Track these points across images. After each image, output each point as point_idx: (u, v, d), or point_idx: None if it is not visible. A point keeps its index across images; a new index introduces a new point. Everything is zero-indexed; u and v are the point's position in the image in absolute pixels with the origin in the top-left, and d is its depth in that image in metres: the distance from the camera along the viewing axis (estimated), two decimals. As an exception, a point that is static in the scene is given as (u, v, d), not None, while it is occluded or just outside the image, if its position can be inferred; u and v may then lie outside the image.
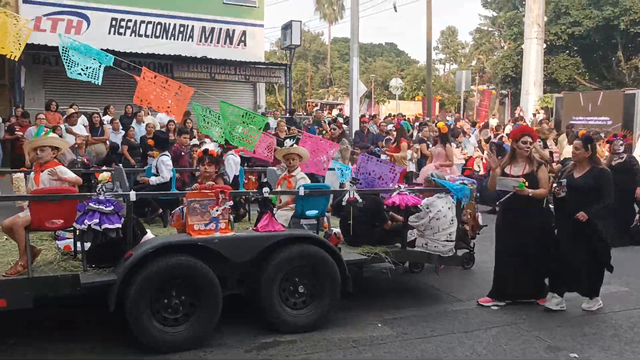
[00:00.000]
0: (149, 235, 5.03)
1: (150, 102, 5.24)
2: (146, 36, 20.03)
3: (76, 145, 9.65)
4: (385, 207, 5.83)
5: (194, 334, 4.67)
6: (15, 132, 11.07)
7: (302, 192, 5.39)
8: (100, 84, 5.29)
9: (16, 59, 5.10)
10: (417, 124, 18.75)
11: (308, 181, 5.88)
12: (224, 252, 4.75)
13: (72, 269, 4.63)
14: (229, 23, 21.27)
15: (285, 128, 11.90)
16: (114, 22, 19.58)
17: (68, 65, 5.38)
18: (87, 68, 5.48)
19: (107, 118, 13.68)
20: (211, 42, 21.06)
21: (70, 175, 4.78)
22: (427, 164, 9.04)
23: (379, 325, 5.34)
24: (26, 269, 4.40)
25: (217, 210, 4.87)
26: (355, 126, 13.64)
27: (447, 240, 6.02)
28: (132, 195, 4.69)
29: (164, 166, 6.68)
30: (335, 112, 26.13)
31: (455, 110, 32.86)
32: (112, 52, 17.81)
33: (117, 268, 4.54)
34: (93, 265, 4.68)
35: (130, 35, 19.82)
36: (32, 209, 4.45)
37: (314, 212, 5.59)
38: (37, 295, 4.42)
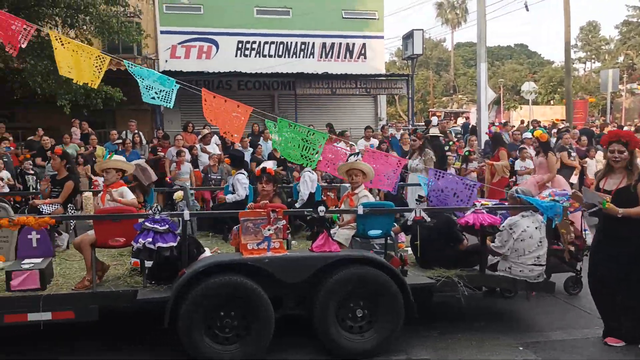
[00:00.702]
0: (207, 253, 5.13)
1: (217, 122, 5.37)
2: (269, 56, 20.94)
3: (211, 164, 10.20)
4: (458, 227, 5.36)
5: (245, 353, 4.64)
6: (158, 153, 11.86)
7: (360, 210, 5.16)
8: (172, 107, 5.48)
9: (95, 87, 5.47)
10: (554, 130, 17.33)
11: (371, 199, 5.61)
12: (274, 273, 4.68)
13: (134, 285, 4.87)
14: (348, 37, 21.50)
15: (409, 140, 11.58)
16: (240, 45, 20.73)
17: (143, 90, 5.62)
18: (160, 92, 5.66)
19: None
20: (331, 57, 21.43)
21: (127, 197, 5.05)
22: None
23: (520, 348, 4.99)
24: (92, 284, 4.71)
25: (269, 230, 4.82)
26: (484, 135, 12.93)
27: (535, 265, 5.41)
28: (186, 214, 4.82)
29: (239, 184, 6.82)
30: (460, 120, 25.09)
31: (600, 114, 29.85)
32: (239, 73, 18.94)
33: (173, 285, 4.68)
34: (153, 282, 4.89)
35: (255, 56, 20.86)
36: (96, 227, 4.77)
37: (377, 232, 5.33)
38: (101, 307, 4.70)
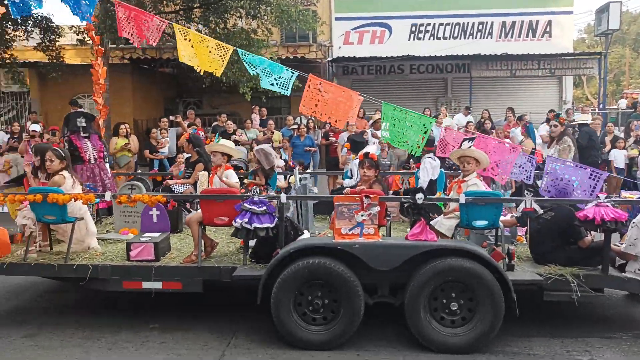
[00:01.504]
0: (306, 235, 5.23)
1: (315, 111, 5.40)
2: (444, 38, 20.24)
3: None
4: (578, 221, 4.80)
5: (333, 334, 4.67)
6: (330, 138, 12.17)
7: (462, 199, 4.86)
8: (289, 94, 5.61)
9: (218, 75, 5.77)
10: None
11: (480, 188, 5.23)
12: (364, 259, 4.62)
13: (235, 263, 5.14)
14: (532, 14, 20.01)
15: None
16: (413, 28, 20.31)
17: (262, 76, 5.82)
18: (279, 78, 5.79)
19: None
20: (511, 36, 20.14)
21: (231, 180, 5.32)
22: None
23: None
24: (197, 259, 5.07)
25: (362, 215, 4.77)
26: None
27: (664, 266, 4.68)
28: (283, 197, 4.95)
29: (356, 169, 6.79)
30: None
31: None
32: (412, 57, 18.87)
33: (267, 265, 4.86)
34: (253, 261, 5.12)
35: (429, 39, 20.30)
36: (202, 206, 5.12)
37: (483, 222, 4.98)
38: (205, 281, 5.04)
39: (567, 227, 4.96)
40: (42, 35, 15.72)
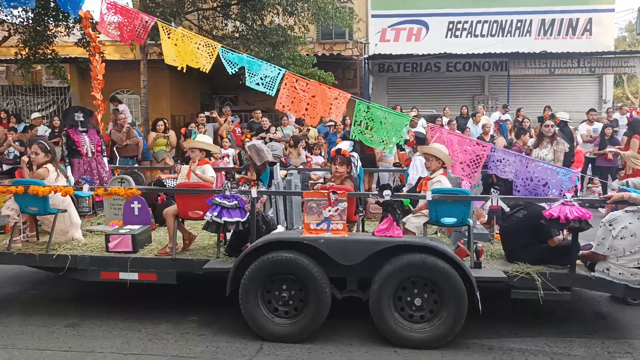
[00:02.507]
0: (279, 229, 5.33)
1: (291, 108, 5.49)
2: (482, 36, 19.99)
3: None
4: (544, 220, 4.81)
5: (300, 328, 4.77)
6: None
7: (429, 196, 4.91)
8: (273, 94, 5.66)
9: (207, 71, 5.87)
10: None
11: (444, 185, 5.26)
12: (329, 253, 4.70)
13: (209, 256, 5.27)
14: (572, 12, 19.68)
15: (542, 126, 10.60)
16: (451, 26, 20.07)
17: (248, 75, 5.90)
18: (265, 77, 5.85)
19: (445, 120, 14.01)
20: (550, 34, 19.81)
21: (207, 174, 5.47)
22: None
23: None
24: (172, 251, 5.22)
25: (329, 211, 4.86)
26: None
27: (638, 268, 4.66)
28: (253, 192, 5.07)
29: (413, 168, 6.83)
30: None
31: None
32: (449, 55, 18.75)
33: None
34: (227, 254, 5.24)
35: (467, 36, 20.04)
36: (177, 200, 5.26)
37: (451, 219, 5.02)
38: (178, 273, 5.18)
39: (538, 226, 4.97)
40: (82, 32, 16.03)
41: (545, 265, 4.94)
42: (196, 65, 5.91)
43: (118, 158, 10.67)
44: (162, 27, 5.87)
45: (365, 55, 19.62)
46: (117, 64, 17.17)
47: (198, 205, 5.16)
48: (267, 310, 4.83)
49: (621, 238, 4.70)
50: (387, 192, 4.89)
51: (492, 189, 4.93)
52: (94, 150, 7.28)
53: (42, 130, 12.95)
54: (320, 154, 10.92)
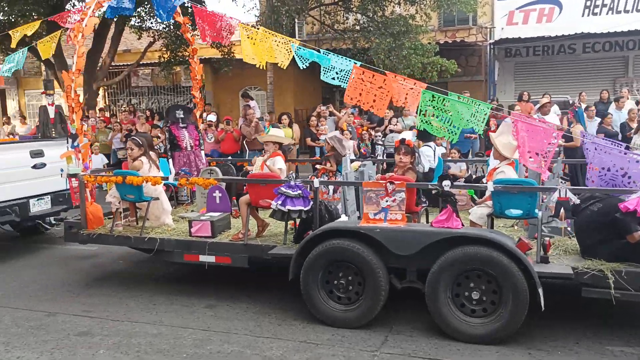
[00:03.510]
0: (343, 218, 5.47)
1: (359, 100, 5.56)
2: (625, 12, 18.00)
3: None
4: (619, 213, 4.42)
5: (356, 315, 4.88)
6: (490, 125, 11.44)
7: (490, 187, 4.74)
8: (346, 86, 5.77)
9: (284, 67, 6.16)
10: None
11: (509, 175, 5.00)
12: (384, 242, 4.75)
13: (277, 242, 5.55)
14: None
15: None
16: (588, 3, 18.39)
17: (323, 71, 6.07)
18: (341, 71, 5.98)
19: (583, 106, 13.02)
20: None
21: (275, 166, 5.74)
22: None
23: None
24: (244, 237, 5.58)
25: (386, 201, 4.90)
26: None
27: None
28: (316, 182, 5.25)
29: (423, 157, 6.78)
30: None
31: None
32: (586, 35, 17.43)
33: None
34: (293, 241, 5.49)
35: (607, 13, 18.22)
36: (249, 190, 5.60)
37: (517, 211, 4.81)
38: (250, 257, 5.53)
39: (615, 220, 4.58)
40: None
41: (624, 262, 4.55)
42: (275, 61, 6.19)
43: (247, 151, 11.41)
44: (243, 27, 6.23)
45: (491, 41, 18.71)
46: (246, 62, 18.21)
47: (268, 195, 5.45)
48: (326, 295, 5.00)
49: None
50: (446, 183, 4.81)
51: (560, 180, 4.62)
52: (192, 144, 7.92)
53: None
54: None
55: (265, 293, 5.85)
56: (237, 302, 5.62)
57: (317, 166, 7.35)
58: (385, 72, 5.84)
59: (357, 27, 16.68)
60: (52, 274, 6.82)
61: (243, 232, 5.62)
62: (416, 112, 5.27)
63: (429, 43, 15.42)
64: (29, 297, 5.98)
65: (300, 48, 5.95)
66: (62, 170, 6.54)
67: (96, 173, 6.35)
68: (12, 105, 24.91)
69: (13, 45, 6.93)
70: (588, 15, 18.27)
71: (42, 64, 18.56)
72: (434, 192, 4.90)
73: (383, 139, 12.19)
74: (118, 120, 14.77)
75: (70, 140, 6.15)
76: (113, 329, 5.02)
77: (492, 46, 18.42)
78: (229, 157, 10.34)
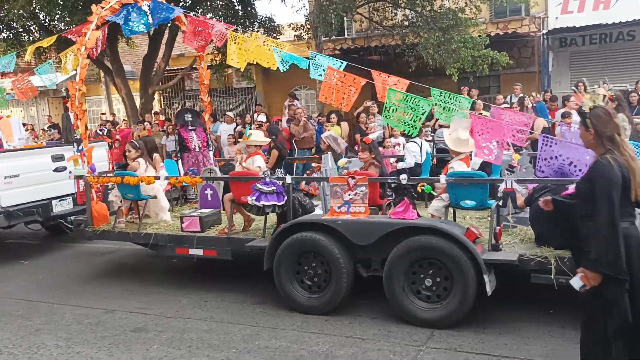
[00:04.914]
0: (316, 212, 5.85)
1: (331, 99, 5.93)
2: None
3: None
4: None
5: (323, 301, 5.27)
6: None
7: (443, 180, 5.03)
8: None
9: (274, 68, 6.53)
10: None
11: (460, 168, 5.26)
12: (345, 233, 5.12)
13: (257, 236, 5.99)
14: None
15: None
16: None
17: (312, 67, 6.47)
18: (324, 71, 6.38)
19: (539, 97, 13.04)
20: None
21: (254, 164, 6.18)
22: None
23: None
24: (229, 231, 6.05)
25: (349, 195, 5.26)
26: None
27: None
28: (288, 178, 5.66)
29: (408, 152, 7.08)
30: None
31: None
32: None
33: (271, 238, 5.60)
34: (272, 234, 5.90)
35: None
36: (232, 187, 6.07)
37: (470, 202, 5.08)
38: (233, 250, 5.99)
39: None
40: (266, 35, 17.90)
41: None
42: (266, 65, 6.61)
43: (296, 150, 11.66)
44: (231, 35, 6.70)
45: (544, 31, 17.92)
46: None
47: (248, 192, 5.90)
48: (297, 283, 5.40)
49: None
50: (403, 177, 5.13)
51: (505, 171, 4.87)
52: (200, 146, 8.45)
53: (231, 128, 13.76)
54: None
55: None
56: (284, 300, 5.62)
57: (313, 164, 7.75)
58: (371, 70, 6.26)
59: (406, 23, 16.63)
60: (106, 273, 7.29)
61: (227, 227, 6.09)
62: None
63: (479, 36, 15.15)
64: (89, 295, 6.34)
65: (280, 51, 6.36)
66: (70, 172, 7.19)
67: (100, 174, 6.94)
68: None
69: (28, 57, 7.60)
70: (645, 1, 17.32)
71: (100, 71, 19.38)
72: (392, 185, 5.22)
73: (432, 134, 12.07)
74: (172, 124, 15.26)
75: (75, 145, 6.74)
76: (166, 325, 5.27)
77: (545, 36, 17.67)
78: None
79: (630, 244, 3.09)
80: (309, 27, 16.97)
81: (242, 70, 6.63)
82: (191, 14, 7.15)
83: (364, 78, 5.92)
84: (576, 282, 3.14)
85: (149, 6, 6.76)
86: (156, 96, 20.55)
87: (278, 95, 20.12)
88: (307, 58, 6.37)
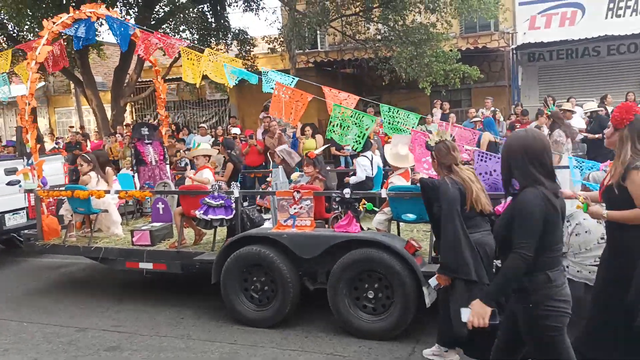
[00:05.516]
0: (265, 225, 5.90)
1: (281, 115, 6.01)
2: None
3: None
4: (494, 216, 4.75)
5: (269, 315, 5.30)
6: (516, 130, 10.90)
7: (384, 194, 5.12)
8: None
9: (229, 85, 6.63)
10: None
11: (400, 182, 5.39)
12: (290, 247, 5.17)
13: (208, 249, 6.00)
14: None
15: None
16: (611, 5, 18.15)
17: (264, 81, 6.58)
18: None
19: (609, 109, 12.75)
20: None
21: (202, 177, 6.21)
22: None
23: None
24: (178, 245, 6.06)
25: (294, 209, 5.32)
26: None
27: (596, 265, 4.42)
28: (236, 192, 5.70)
29: (359, 167, 7.16)
30: None
31: None
32: (611, 37, 17.05)
33: (220, 251, 5.62)
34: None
35: (631, 15, 18.00)
36: (180, 200, 6.09)
37: (412, 216, 5.17)
38: (182, 264, 5.99)
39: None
40: (239, 47, 17.88)
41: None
42: (219, 80, 6.67)
43: (272, 162, 11.26)
44: (183, 50, 6.74)
45: (513, 46, 18.52)
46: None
47: (197, 205, 5.92)
48: (244, 296, 5.43)
49: (576, 234, 4.50)
50: (346, 191, 5.21)
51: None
52: (157, 159, 8.45)
53: (207, 139, 13.60)
54: None
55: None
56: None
57: (268, 179, 7.79)
58: (322, 86, 6.36)
59: (379, 37, 16.91)
60: (72, 288, 7.13)
61: (177, 241, 6.09)
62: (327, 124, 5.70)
63: (451, 50, 15.45)
64: (60, 312, 6.16)
65: (230, 66, 6.43)
66: (20, 185, 7.13)
67: (52, 188, 6.89)
68: (43, 123, 25.87)
69: None
70: (612, 17, 18.09)
71: (70, 82, 19.18)
72: (337, 199, 5.29)
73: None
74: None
75: (25, 159, 6.71)
76: (142, 344, 5.14)
77: (514, 51, 18.22)
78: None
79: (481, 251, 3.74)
80: (282, 40, 17.11)
81: (197, 86, 6.66)
82: (142, 28, 7.17)
83: (313, 94, 6.01)
84: (432, 282, 4.00)
85: (101, 24, 6.78)
86: (128, 108, 20.46)
87: (252, 108, 20.15)
88: (259, 74, 6.45)
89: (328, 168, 6.84)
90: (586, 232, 4.44)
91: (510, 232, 2.88)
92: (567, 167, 6.09)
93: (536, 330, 2.92)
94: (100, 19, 6.97)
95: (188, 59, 6.69)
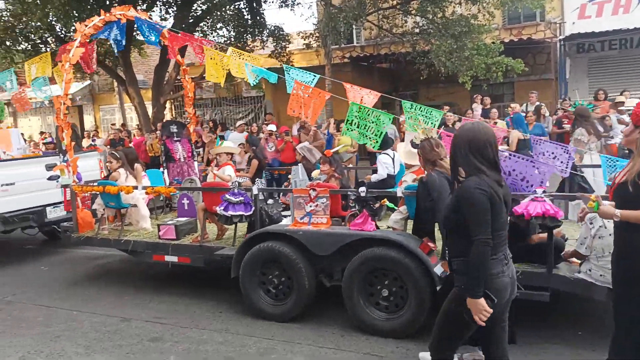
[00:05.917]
0: (284, 222, 5.95)
1: (300, 113, 6.04)
2: None
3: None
4: (513, 217, 4.65)
5: (285, 310, 5.38)
6: (563, 126, 10.89)
7: (399, 193, 5.08)
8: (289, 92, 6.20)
9: (250, 82, 6.70)
10: None
11: (409, 183, 5.31)
12: (306, 244, 5.22)
13: (229, 244, 6.11)
14: None
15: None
16: None
17: (288, 83, 6.61)
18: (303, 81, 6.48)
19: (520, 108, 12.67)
20: None
21: (224, 174, 6.30)
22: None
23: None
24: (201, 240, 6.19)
25: (310, 206, 5.35)
26: None
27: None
28: (255, 189, 5.78)
29: (380, 164, 7.13)
30: None
31: None
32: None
33: (240, 246, 5.72)
34: (242, 243, 6.02)
35: None
36: (203, 196, 6.22)
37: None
38: (205, 258, 6.12)
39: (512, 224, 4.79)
40: (275, 44, 17.92)
41: (525, 263, 4.76)
42: (243, 77, 6.74)
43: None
44: (207, 50, 6.86)
45: (561, 37, 17.71)
46: (305, 70, 18.69)
47: (219, 201, 6.03)
48: (262, 291, 5.51)
49: (599, 237, 4.36)
50: (362, 189, 5.21)
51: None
52: (185, 156, 8.65)
53: (242, 136, 13.40)
54: None
55: (327, 306, 5.68)
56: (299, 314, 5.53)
57: (289, 176, 7.85)
58: (343, 82, 6.35)
59: (417, 30, 16.53)
60: (117, 279, 7.38)
61: (200, 235, 6.23)
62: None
63: (493, 42, 14.88)
64: (104, 302, 6.39)
65: (251, 65, 6.50)
66: (57, 181, 7.44)
67: (85, 184, 7.16)
68: (88, 120, 26.93)
69: (28, 80, 7.85)
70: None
71: (114, 80, 19.84)
72: (352, 198, 5.29)
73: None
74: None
75: (61, 156, 6.99)
76: (182, 336, 5.27)
77: (562, 42, 17.43)
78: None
79: None
80: (318, 35, 17.05)
81: (222, 85, 6.76)
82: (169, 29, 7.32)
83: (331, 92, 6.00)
84: (438, 269, 4.41)
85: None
86: (168, 105, 20.87)
87: (287, 104, 20.16)
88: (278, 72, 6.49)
89: (361, 165, 6.84)
90: (610, 234, 4.26)
91: (458, 214, 3.05)
92: (598, 166, 5.91)
93: (457, 305, 3.10)
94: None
95: (211, 58, 6.80)
